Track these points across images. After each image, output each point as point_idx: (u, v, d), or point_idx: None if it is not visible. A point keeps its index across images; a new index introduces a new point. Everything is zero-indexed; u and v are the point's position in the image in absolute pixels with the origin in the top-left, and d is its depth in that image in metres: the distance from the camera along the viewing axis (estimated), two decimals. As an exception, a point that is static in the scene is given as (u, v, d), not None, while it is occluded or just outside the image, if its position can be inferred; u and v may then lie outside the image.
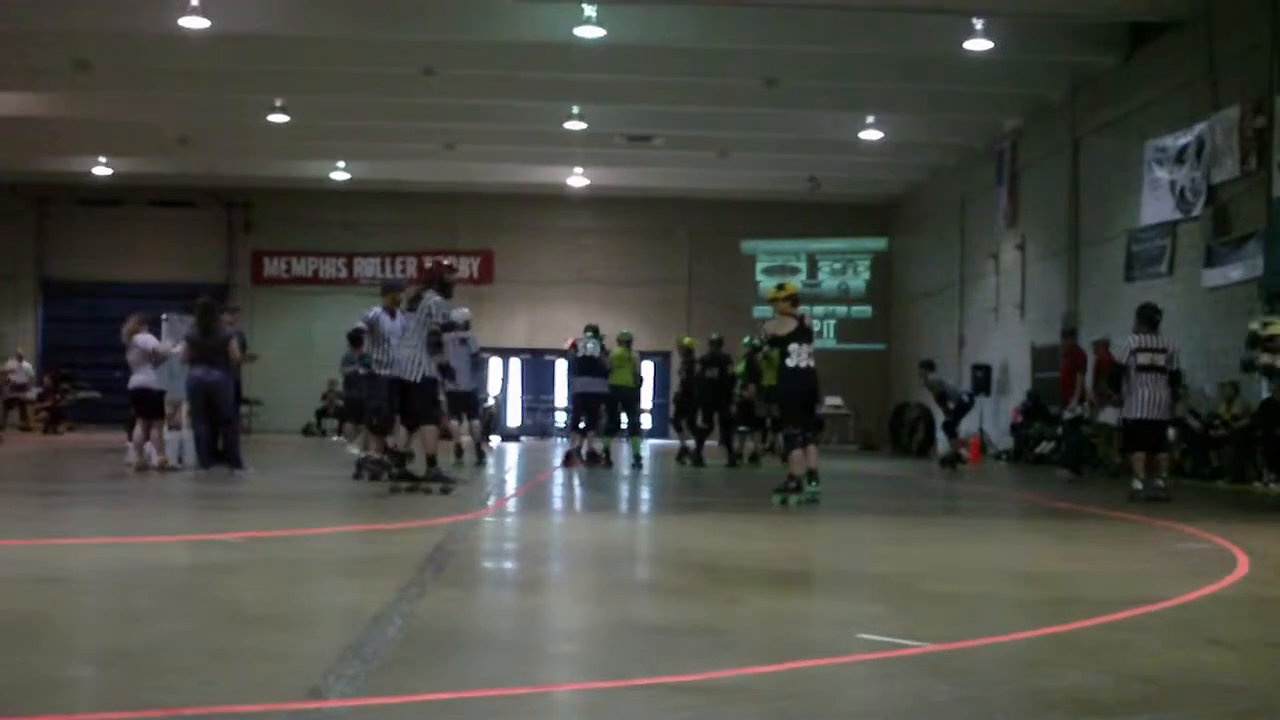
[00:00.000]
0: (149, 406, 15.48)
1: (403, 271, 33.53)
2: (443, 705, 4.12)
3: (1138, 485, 14.07)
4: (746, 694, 4.44)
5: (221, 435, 15.60)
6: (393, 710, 4.08)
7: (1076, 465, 18.96)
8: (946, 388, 22.96)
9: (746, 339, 20.83)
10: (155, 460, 15.36)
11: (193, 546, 8.52)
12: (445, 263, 14.41)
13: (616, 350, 19.79)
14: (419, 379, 12.82)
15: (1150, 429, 14.32)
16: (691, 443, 21.12)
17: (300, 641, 5.17)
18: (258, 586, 6.66)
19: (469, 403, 18.62)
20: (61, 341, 34.58)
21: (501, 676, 4.65)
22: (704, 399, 21.29)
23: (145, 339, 15.62)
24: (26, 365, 30.48)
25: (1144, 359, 14.17)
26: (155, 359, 15.48)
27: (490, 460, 19.96)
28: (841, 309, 34.00)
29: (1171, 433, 18.60)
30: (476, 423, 19.34)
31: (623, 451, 19.97)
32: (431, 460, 12.85)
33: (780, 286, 13.42)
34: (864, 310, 34.13)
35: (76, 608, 6.09)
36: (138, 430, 15.53)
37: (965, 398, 22.90)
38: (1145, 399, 14.14)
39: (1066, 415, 19.59)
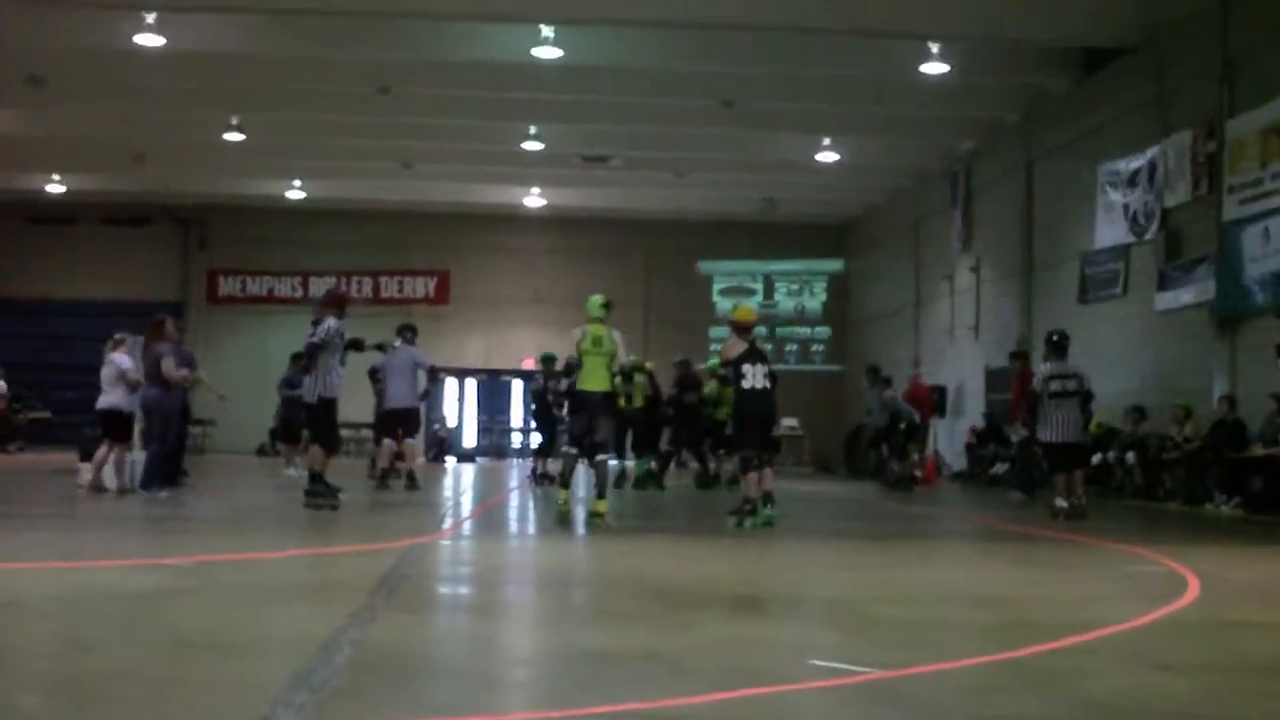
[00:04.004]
0: (118, 428, 15.18)
1: (359, 291, 33.44)
2: (392, 735, 4.09)
3: (1060, 503, 14.72)
4: (698, 722, 4.42)
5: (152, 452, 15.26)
6: (341, 740, 4.04)
7: (1029, 487, 19.04)
8: (900, 407, 22.96)
9: (713, 361, 20.67)
10: (114, 485, 15.03)
11: (142, 571, 8.42)
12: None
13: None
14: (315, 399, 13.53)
15: (1066, 451, 14.96)
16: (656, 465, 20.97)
17: (249, 669, 5.11)
18: (206, 612, 6.59)
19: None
20: (12, 359, 34.14)
21: (452, 704, 4.62)
22: (680, 421, 20.93)
23: (121, 358, 15.26)
24: (-30, 382, 29.94)
25: (1055, 386, 14.78)
26: (128, 381, 15.18)
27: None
28: (798, 330, 34.10)
29: (1130, 456, 18.81)
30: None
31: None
32: (317, 477, 13.40)
33: (738, 308, 13.64)
34: (820, 331, 34.24)
35: (24, 633, 6.00)
36: (101, 450, 15.22)
37: (918, 419, 22.93)
38: (1059, 423, 14.76)
39: (1015, 438, 19.79)
